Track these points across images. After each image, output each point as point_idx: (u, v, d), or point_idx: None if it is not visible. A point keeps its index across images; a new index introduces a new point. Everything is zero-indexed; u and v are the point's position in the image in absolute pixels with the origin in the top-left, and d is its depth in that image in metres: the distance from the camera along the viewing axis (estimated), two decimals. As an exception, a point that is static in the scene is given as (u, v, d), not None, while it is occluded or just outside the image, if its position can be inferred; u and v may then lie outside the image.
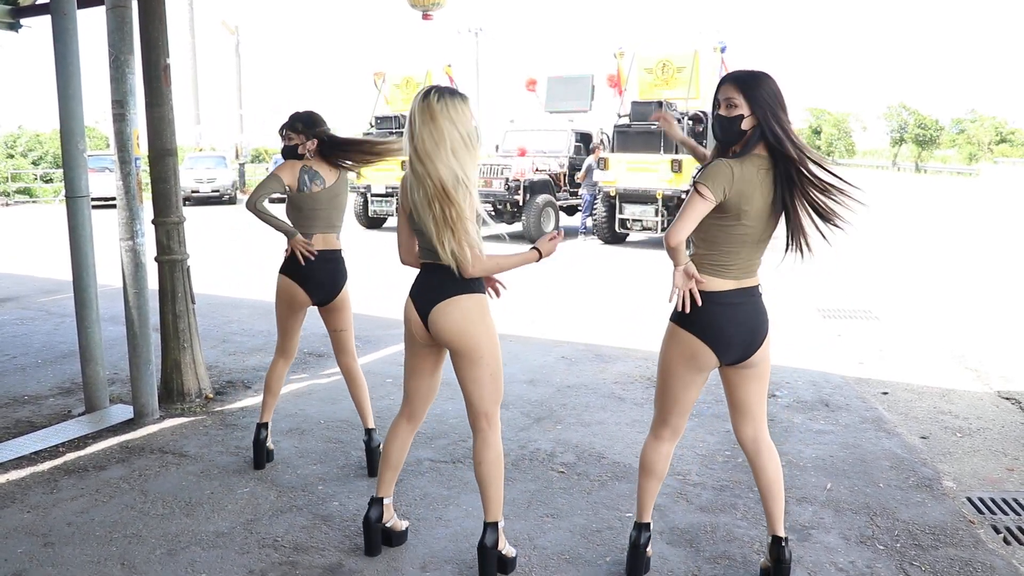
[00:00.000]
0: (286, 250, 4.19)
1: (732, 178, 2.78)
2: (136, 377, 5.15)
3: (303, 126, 4.13)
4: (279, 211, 4.24)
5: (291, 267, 4.19)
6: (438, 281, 3.07)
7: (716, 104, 2.95)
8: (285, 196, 4.20)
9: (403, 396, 3.34)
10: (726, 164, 2.80)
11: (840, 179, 2.95)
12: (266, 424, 4.37)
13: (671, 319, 3.02)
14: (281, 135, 4.22)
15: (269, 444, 4.46)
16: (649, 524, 3.27)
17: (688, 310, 2.89)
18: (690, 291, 2.89)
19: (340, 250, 4.29)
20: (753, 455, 3.14)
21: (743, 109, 2.85)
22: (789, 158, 2.83)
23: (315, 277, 4.17)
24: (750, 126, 2.85)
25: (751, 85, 2.87)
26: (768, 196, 2.84)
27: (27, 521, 3.74)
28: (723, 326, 2.92)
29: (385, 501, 3.42)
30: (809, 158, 2.87)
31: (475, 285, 3.09)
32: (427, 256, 3.10)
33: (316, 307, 4.29)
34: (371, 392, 4.79)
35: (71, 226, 5.23)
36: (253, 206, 4.13)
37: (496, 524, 3.21)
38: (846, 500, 4.01)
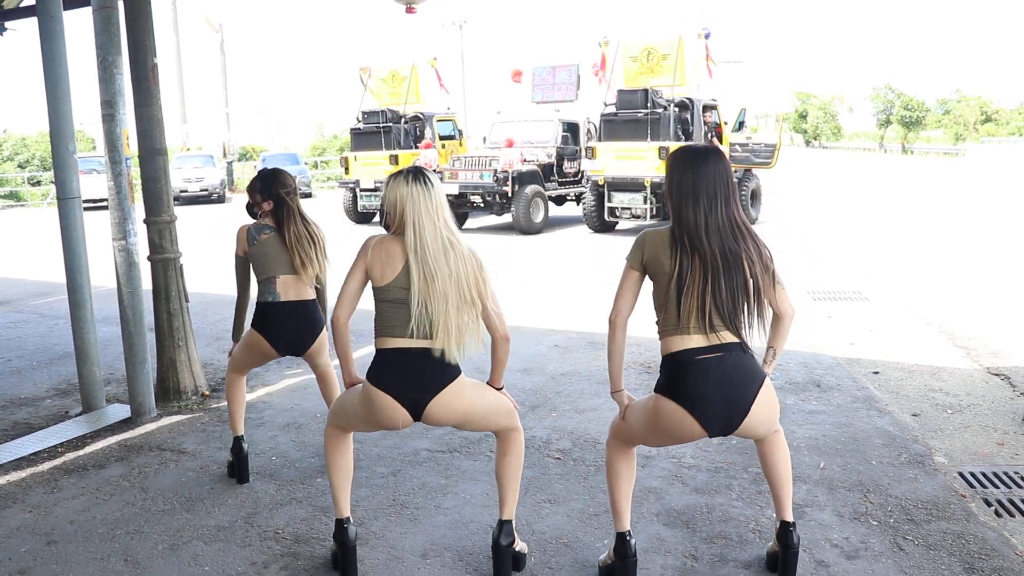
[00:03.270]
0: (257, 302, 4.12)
1: (642, 246, 2.96)
2: (132, 376, 5.18)
3: (260, 187, 4.14)
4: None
5: (262, 321, 4.09)
6: (428, 366, 2.96)
7: None
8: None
9: (345, 425, 3.23)
10: (639, 238, 2.99)
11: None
12: (243, 436, 4.23)
13: (655, 389, 2.92)
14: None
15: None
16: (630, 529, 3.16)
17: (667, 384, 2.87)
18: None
19: (309, 300, 4.13)
20: (763, 444, 3.16)
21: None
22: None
23: (285, 332, 4.09)
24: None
25: (672, 164, 2.98)
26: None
27: (29, 520, 3.77)
28: (699, 386, 2.79)
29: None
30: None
31: (458, 367, 3.02)
32: (403, 334, 2.96)
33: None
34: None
35: (63, 227, 5.25)
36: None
37: (511, 521, 3.21)
38: (839, 478, 4.07)
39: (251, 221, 4.22)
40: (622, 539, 3.10)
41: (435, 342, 2.93)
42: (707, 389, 2.78)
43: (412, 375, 2.96)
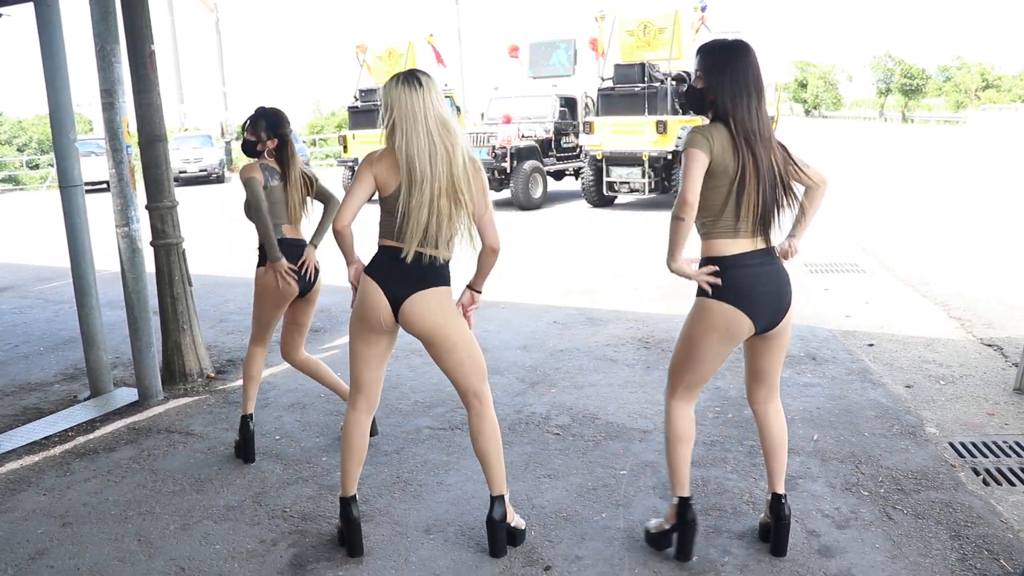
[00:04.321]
0: (260, 245, 4.19)
1: (710, 140, 2.83)
2: (139, 360, 5.27)
3: (266, 125, 4.18)
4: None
5: (262, 258, 4.19)
6: (415, 268, 3.05)
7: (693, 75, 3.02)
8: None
9: (355, 387, 3.25)
10: (698, 130, 2.87)
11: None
12: (251, 416, 4.30)
13: (699, 295, 2.97)
14: (244, 129, 4.27)
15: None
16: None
17: (715, 286, 2.90)
18: (707, 273, 2.91)
19: (304, 240, 4.29)
20: (761, 415, 3.23)
21: (703, 82, 2.92)
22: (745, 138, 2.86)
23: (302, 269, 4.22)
24: (711, 99, 2.91)
25: (707, 56, 2.93)
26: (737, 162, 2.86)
27: (44, 503, 3.87)
28: (753, 288, 2.90)
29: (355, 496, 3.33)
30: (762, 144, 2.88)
31: (447, 277, 3.13)
32: (400, 239, 3.06)
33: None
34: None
35: (66, 215, 5.31)
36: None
37: (502, 497, 3.27)
38: (832, 450, 4.16)
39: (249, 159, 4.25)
40: (684, 504, 3.14)
41: (425, 248, 3.03)
42: (759, 288, 2.91)
43: (399, 270, 3.07)
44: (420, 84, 3.02)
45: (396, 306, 3.08)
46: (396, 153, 3.03)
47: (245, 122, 4.26)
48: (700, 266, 2.95)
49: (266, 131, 4.18)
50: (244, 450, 4.29)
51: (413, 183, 3.00)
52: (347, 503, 3.29)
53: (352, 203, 3.13)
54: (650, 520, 3.37)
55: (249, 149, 4.24)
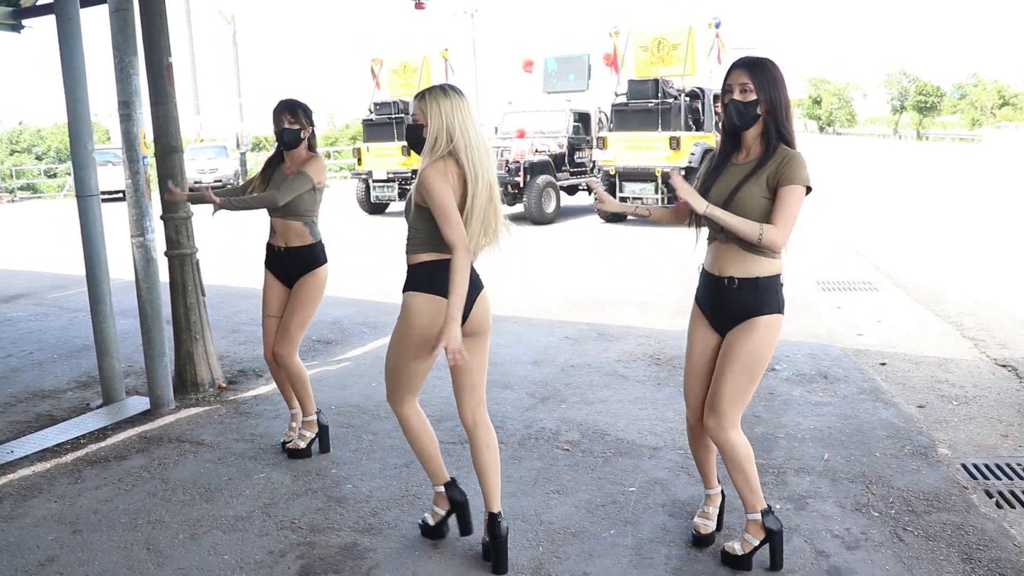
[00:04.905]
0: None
1: None
2: (151, 369, 5.29)
3: (303, 113, 4.28)
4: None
5: (324, 255, 4.40)
6: (473, 270, 3.14)
7: (728, 89, 3.02)
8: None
9: (411, 392, 3.32)
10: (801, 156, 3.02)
11: None
12: (320, 410, 4.57)
13: (777, 311, 3.09)
14: (278, 117, 4.27)
15: (287, 439, 4.60)
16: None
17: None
18: None
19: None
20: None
21: (756, 95, 2.97)
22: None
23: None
24: (763, 111, 2.98)
25: (762, 70, 2.99)
26: None
27: (55, 510, 3.89)
28: None
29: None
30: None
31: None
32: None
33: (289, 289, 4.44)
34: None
35: (83, 224, 5.36)
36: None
37: (500, 513, 3.30)
38: (843, 469, 4.14)
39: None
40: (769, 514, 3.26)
41: (483, 242, 3.16)
42: None
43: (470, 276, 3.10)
44: (459, 92, 3.16)
45: (466, 311, 3.13)
46: (461, 157, 3.08)
47: (280, 111, 4.26)
48: (776, 285, 3.08)
49: (306, 119, 4.29)
50: (321, 443, 4.53)
51: (480, 182, 3.09)
52: (452, 487, 3.43)
53: (461, 220, 3.07)
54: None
55: (293, 138, 4.27)
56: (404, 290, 3.18)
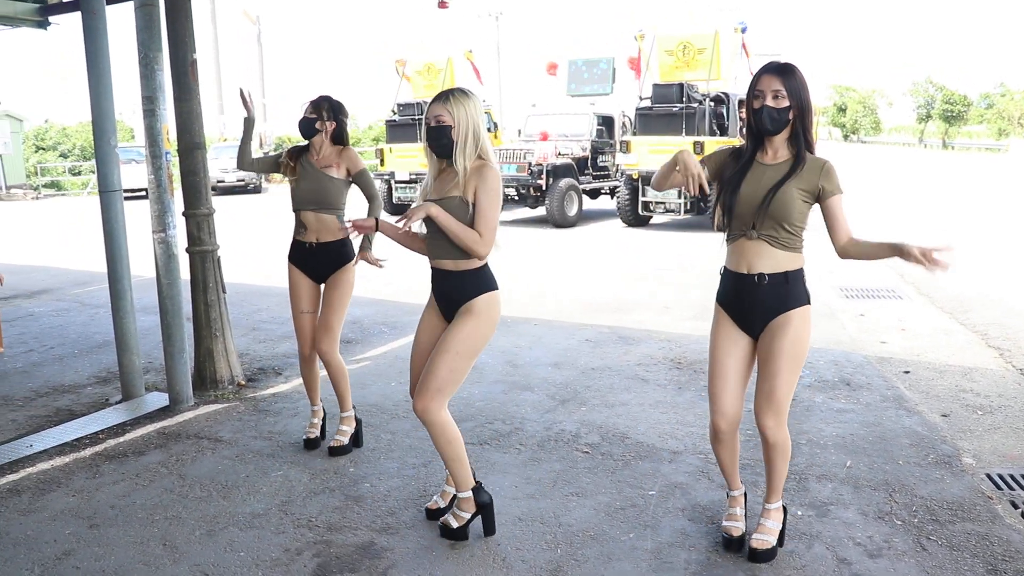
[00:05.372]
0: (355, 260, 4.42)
1: None
2: (171, 366, 5.30)
3: (328, 106, 4.31)
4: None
5: (352, 250, 4.44)
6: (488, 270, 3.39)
7: (759, 95, 3.03)
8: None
9: (444, 396, 3.43)
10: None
11: None
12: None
13: (806, 303, 3.21)
14: (305, 109, 4.35)
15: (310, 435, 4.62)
16: None
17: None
18: None
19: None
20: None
21: (788, 100, 3.00)
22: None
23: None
24: (793, 116, 3.02)
25: (793, 76, 3.02)
26: None
27: (73, 504, 3.90)
28: None
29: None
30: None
31: None
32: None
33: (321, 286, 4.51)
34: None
35: (104, 219, 5.38)
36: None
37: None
38: (865, 477, 4.08)
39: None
40: None
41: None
42: None
43: None
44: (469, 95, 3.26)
45: None
46: (489, 159, 3.24)
47: (309, 105, 4.33)
48: (802, 277, 3.17)
49: (327, 112, 4.30)
50: (356, 438, 4.56)
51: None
52: (479, 490, 3.50)
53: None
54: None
55: (307, 127, 4.32)
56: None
